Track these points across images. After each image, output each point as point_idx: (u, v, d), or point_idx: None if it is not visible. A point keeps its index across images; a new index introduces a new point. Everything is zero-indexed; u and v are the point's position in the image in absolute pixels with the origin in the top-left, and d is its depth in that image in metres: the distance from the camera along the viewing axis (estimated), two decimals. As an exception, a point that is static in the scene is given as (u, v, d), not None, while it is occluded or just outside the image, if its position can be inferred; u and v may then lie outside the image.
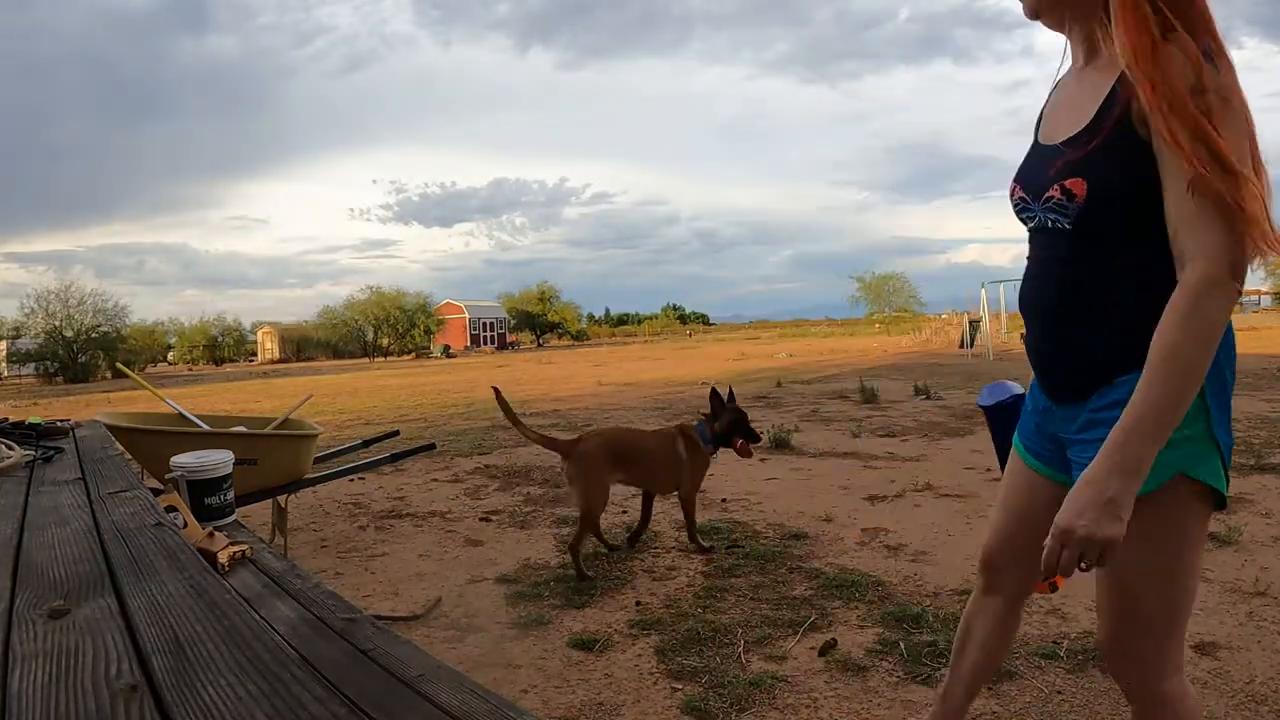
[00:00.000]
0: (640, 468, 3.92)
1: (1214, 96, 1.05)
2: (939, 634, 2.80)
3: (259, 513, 4.52)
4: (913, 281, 47.84)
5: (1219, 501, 1.25)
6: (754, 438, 3.94)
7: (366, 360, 43.92)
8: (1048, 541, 1.16)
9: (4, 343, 36.31)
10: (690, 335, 69.75)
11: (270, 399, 16.00)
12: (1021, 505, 1.59)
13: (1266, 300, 38.52)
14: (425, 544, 4.39)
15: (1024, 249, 1.42)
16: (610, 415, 10.24)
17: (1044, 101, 1.46)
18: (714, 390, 4.02)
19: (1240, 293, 1.11)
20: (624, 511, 4.92)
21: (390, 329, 48.14)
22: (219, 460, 2.07)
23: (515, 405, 12.29)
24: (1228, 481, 1.25)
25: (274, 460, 3.55)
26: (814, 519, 4.54)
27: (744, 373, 18.06)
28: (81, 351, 34.52)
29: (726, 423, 3.91)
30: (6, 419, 3.14)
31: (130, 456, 3.09)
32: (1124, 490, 1.09)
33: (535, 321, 61.87)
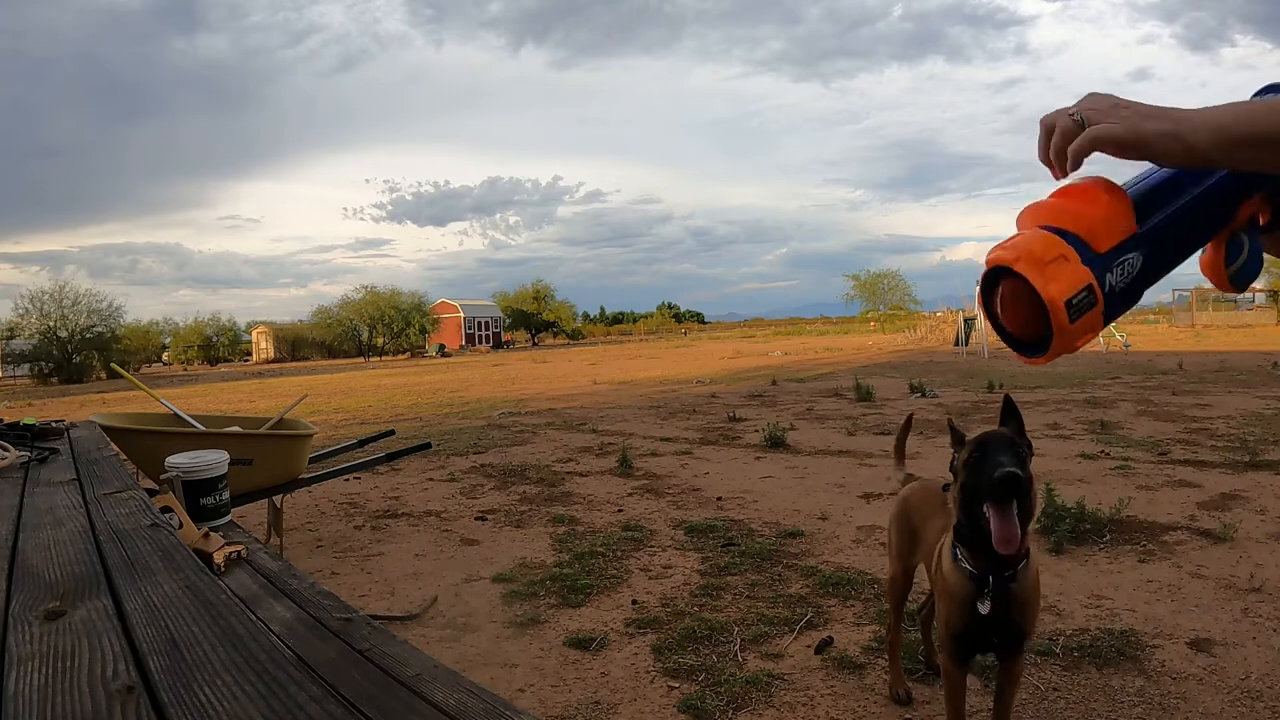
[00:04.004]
0: (924, 547, 2.27)
1: None
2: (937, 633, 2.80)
3: (255, 513, 4.51)
4: (907, 279, 47.93)
5: None
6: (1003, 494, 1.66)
7: (362, 360, 43.84)
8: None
9: (-1, 343, 36.23)
10: (685, 334, 69.79)
11: (265, 399, 15.96)
12: None
13: (1261, 298, 38.63)
14: (421, 543, 4.39)
15: None
16: (605, 414, 10.24)
17: None
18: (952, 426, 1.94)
19: None
20: (619, 510, 4.93)
21: (385, 328, 48.09)
22: (214, 460, 2.07)
23: (511, 404, 12.16)
24: None
25: (269, 460, 3.54)
26: (810, 517, 4.55)
27: (739, 371, 18.07)
28: (76, 352, 34.41)
29: (961, 489, 1.78)
30: (1, 420, 3.13)
31: (125, 457, 3.09)
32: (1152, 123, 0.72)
33: (530, 320, 61.83)
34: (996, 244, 0.75)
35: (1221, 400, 8.90)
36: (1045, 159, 0.76)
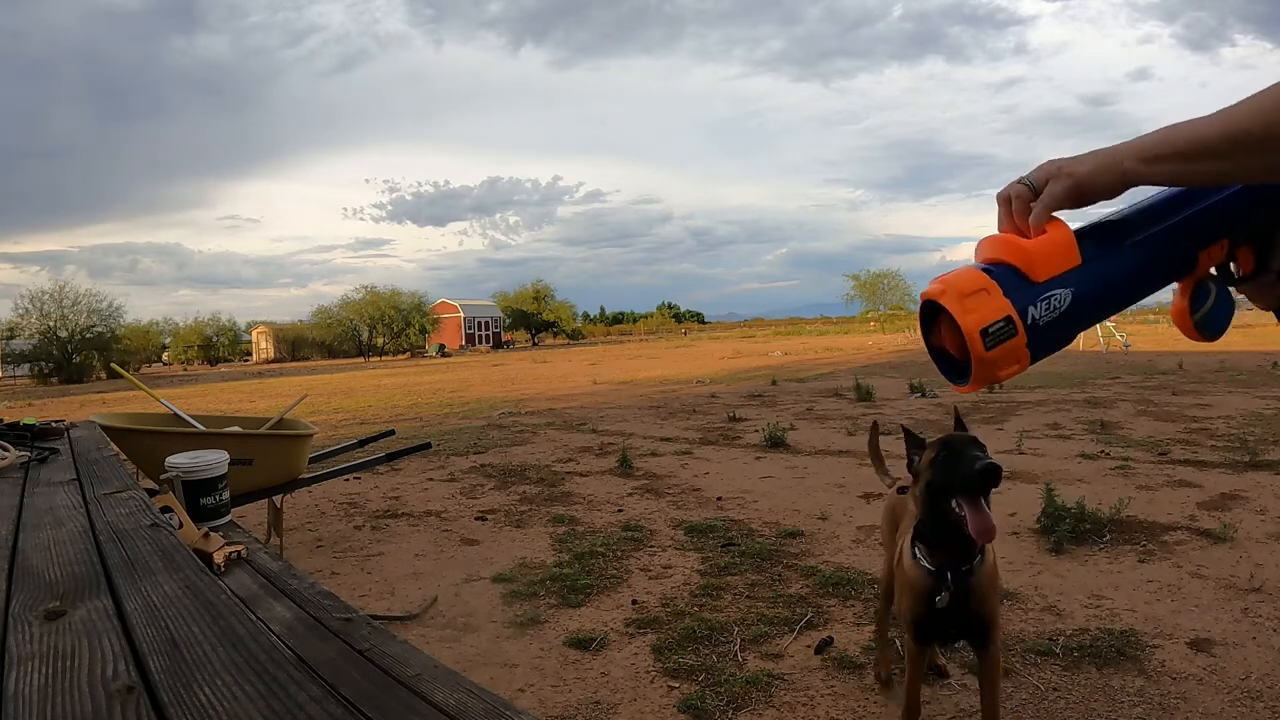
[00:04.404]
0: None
1: None
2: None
3: (255, 513, 4.52)
4: (907, 279, 48.02)
5: None
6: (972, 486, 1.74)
7: (362, 360, 43.85)
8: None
9: (-1, 343, 36.27)
10: (685, 334, 69.79)
11: (265, 399, 15.96)
12: None
13: (1260, 298, 38.59)
14: (421, 543, 4.39)
15: None
16: (605, 414, 10.24)
17: None
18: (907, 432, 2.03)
19: None
20: (619, 510, 4.93)
21: (385, 328, 48.13)
22: (214, 460, 2.07)
23: (511, 404, 12.14)
24: None
25: (269, 460, 3.54)
26: (809, 517, 4.55)
27: (739, 371, 18.07)
28: (76, 352, 34.44)
29: (926, 488, 1.86)
30: (1, 420, 3.13)
31: (125, 457, 3.09)
32: (1103, 163, 0.82)
33: (530, 320, 61.87)
34: (933, 279, 0.81)
35: (1221, 400, 8.90)
36: (1010, 228, 0.83)
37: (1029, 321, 0.76)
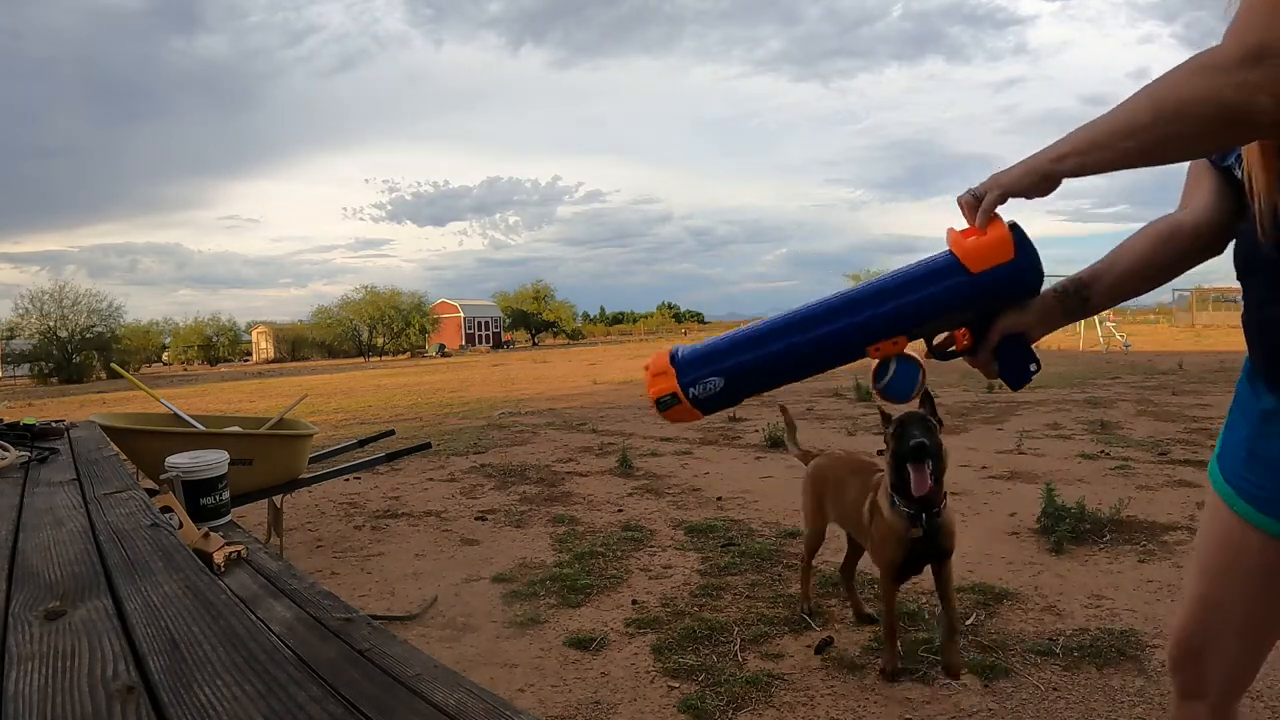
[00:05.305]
0: (840, 507, 2.97)
1: None
2: (934, 632, 2.80)
3: (255, 513, 4.52)
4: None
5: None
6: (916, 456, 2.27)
7: (362, 360, 43.86)
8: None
9: (-1, 343, 36.29)
10: (685, 334, 69.73)
11: (265, 399, 15.97)
12: (1230, 571, 1.16)
13: (1260, 298, 38.29)
14: (421, 543, 4.39)
15: None
16: (605, 414, 10.24)
17: None
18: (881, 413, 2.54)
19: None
20: (619, 510, 4.93)
21: (385, 328, 48.16)
22: (214, 460, 2.07)
23: (511, 404, 12.15)
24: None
25: (269, 460, 3.54)
26: (810, 517, 4.54)
27: (740, 371, 18.04)
28: (76, 352, 34.44)
29: (891, 455, 2.37)
30: (1, 420, 3.13)
31: (125, 457, 3.09)
32: (1017, 175, 0.98)
33: (530, 320, 61.88)
34: (655, 353, 1.11)
35: (1221, 400, 8.89)
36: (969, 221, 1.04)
37: (690, 396, 1.08)
